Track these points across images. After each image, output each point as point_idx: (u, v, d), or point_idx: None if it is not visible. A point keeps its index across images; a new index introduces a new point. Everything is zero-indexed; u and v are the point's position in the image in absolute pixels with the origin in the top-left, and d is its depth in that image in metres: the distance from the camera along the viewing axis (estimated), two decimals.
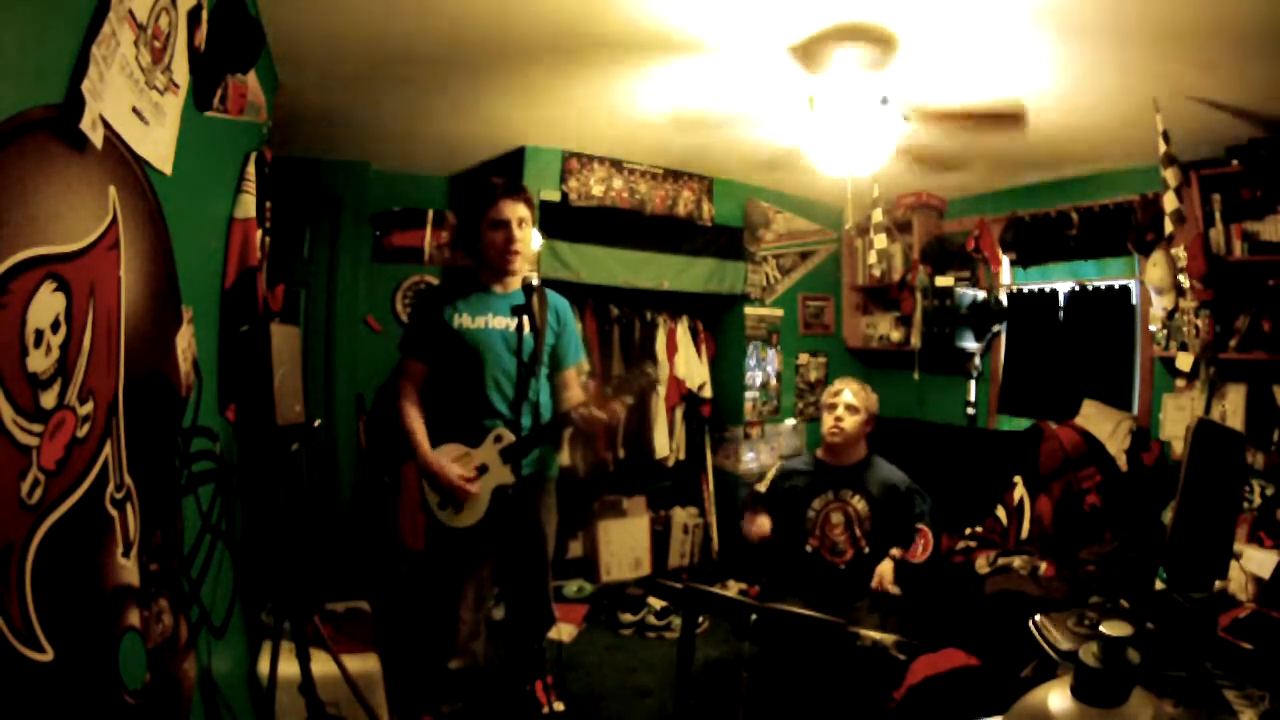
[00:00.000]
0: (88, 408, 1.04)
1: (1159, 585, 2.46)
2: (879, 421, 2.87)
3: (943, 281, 4.13)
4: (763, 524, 2.70)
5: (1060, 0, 2.07)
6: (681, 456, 4.46)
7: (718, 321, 4.55)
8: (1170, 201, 2.70)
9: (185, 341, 1.55)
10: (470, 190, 2.72)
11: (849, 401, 2.75)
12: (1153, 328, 3.36)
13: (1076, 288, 3.95)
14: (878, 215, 3.73)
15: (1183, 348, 3.16)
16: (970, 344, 4.17)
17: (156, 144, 1.32)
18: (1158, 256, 3.21)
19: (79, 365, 1.01)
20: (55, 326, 0.94)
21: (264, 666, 2.02)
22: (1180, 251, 3.12)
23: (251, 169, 2.08)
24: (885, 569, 2.58)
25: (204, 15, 1.53)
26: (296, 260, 3.71)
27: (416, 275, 4.00)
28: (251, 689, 2.16)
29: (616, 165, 3.84)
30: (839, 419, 2.74)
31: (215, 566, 1.78)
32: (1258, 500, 2.91)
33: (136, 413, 1.23)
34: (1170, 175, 2.68)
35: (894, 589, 2.52)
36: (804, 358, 4.67)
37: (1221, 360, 3.10)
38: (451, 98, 2.97)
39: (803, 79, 2.62)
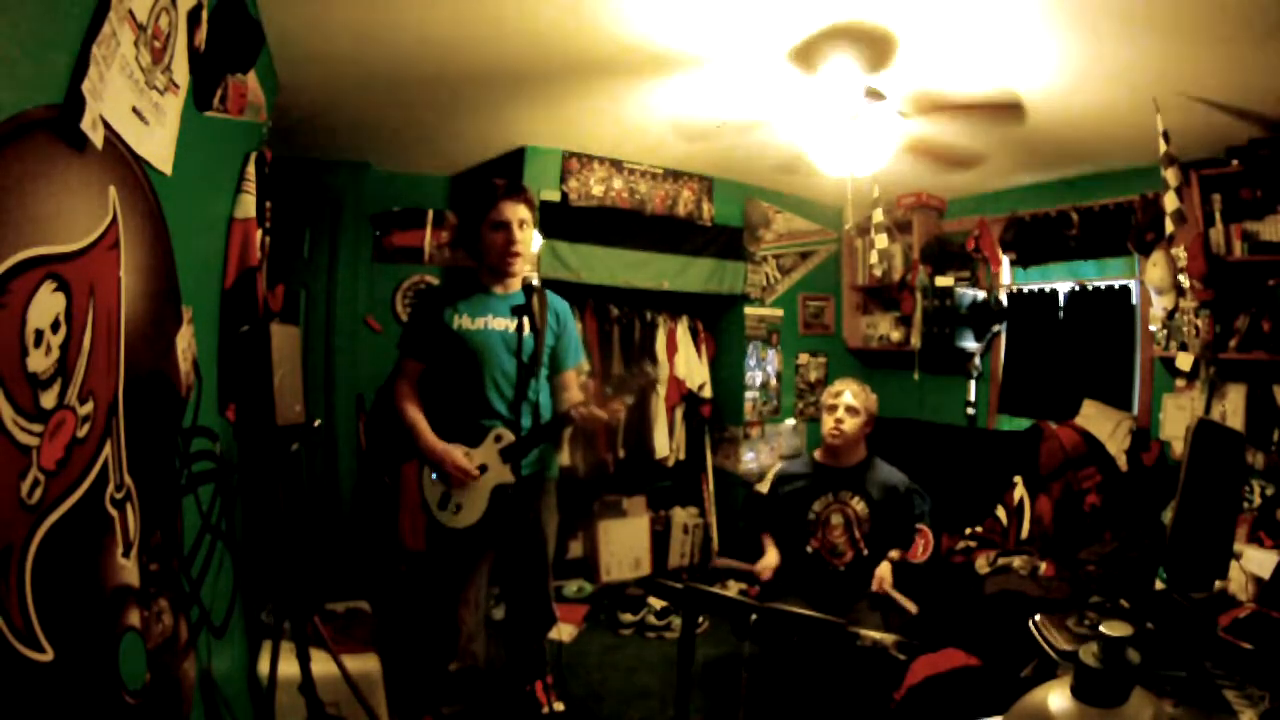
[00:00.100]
0: (88, 408, 1.04)
1: (1159, 585, 2.45)
2: (879, 422, 2.87)
3: (943, 281, 4.13)
4: (770, 560, 2.72)
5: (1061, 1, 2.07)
6: (681, 456, 4.46)
7: (718, 321, 4.55)
8: (1170, 201, 2.70)
9: (185, 341, 1.55)
10: (471, 191, 2.73)
11: (849, 403, 2.75)
12: (1153, 328, 3.36)
13: (1076, 288, 3.95)
14: (878, 215, 3.73)
15: (1183, 348, 3.16)
16: (970, 344, 4.17)
17: (156, 144, 1.32)
18: (1158, 256, 3.21)
19: (79, 365, 1.01)
20: (55, 326, 0.94)
21: (264, 666, 2.02)
22: (1180, 251, 3.12)
23: (251, 169, 2.08)
24: (884, 571, 2.58)
25: (204, 15, 1.53)
26: (296, 260, 3.71)
27: (416, 275, 4.00)
28: (251, 689, 2.16)
29: (616, 165, 3.84)
30: (839, 421, 2.74)
31: (215, 566, 1.78)
32: (1258, 500, 2.91)
33: (136, 413, 1.23)
34: (1170, 175, 2.67)
35: (895, 594, 2.52)
36: (804, 358, 4.67)
37: (1221, 360, 3.10)
38: (452, 98, 2.98)
39: (801, 81, 2.62)
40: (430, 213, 4.00)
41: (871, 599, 2.55)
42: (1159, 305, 3.28)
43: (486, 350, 2.20)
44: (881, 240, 3.78)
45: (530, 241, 2.30)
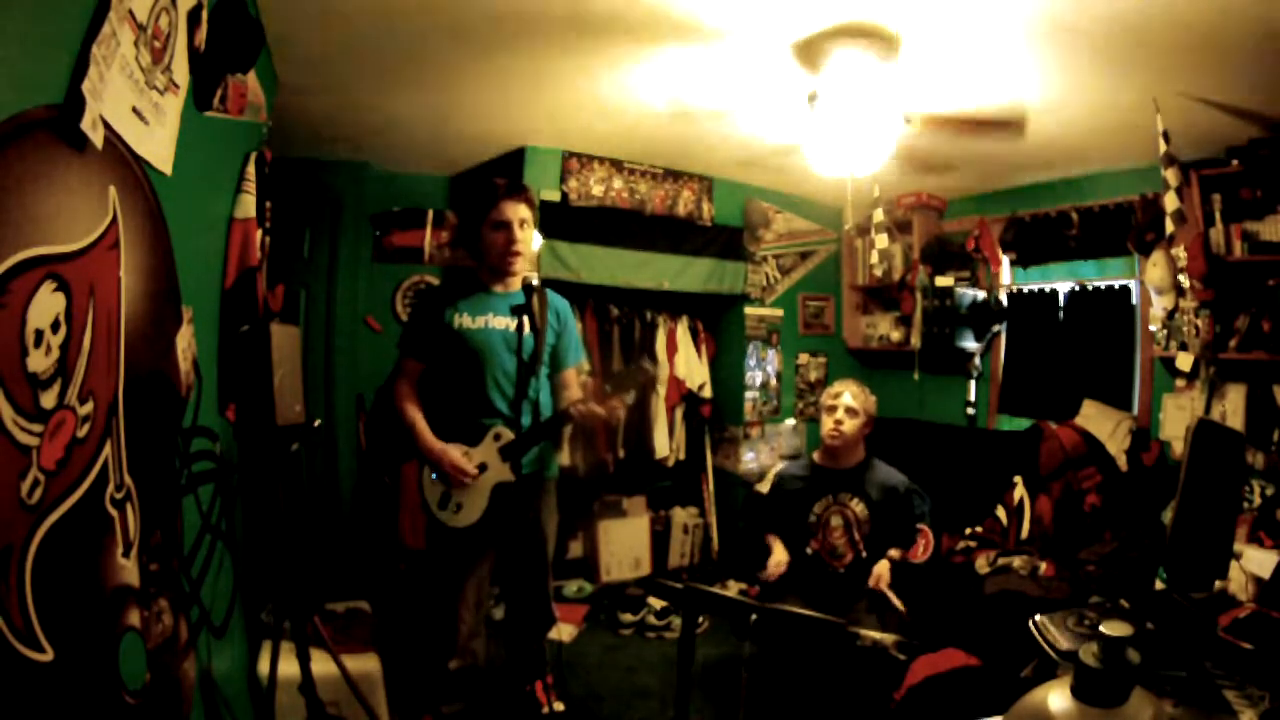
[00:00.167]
0: (88, 408, 1.04)
1: (1159, 585, 2.45)
2: (879, 422, 2.87)
3: (943, 281, 4.13)
4: (780, 557, 2.70)
5: (1062, 2, 2.07)
6: (681, 456, 4.46)
7: (718, 321, 4.55)
8: (1170, 201, 2.70)
9: (185, 341, 1.55)
10: (472, 190, 2.72)
11: (849, 404, 2.75)
12: (1153, 328, 3.36)
13: (1076, 288, 3.95)
14: (879, 215, 3.74)
15: (1183, 348, 3.16)
16: (970, 344, 4.17)
17: (156, 144, 1.32)
18: (1158, 256, 3.21)
19: (79, 365, 1.01)
20: (55, 326, 0.94)
21: (264, 666, 2.02)
22: (1180, 251, 3.12)
23: (251, 169, 2.08)
24: (882, 568, 2.58)
25: (204, 15, 1.53)
26: (296, 260, 3.71)
27: (416, 275, 4.00)
28: (251, 689, 2.16)
29: (616, 165, 3.84)
30: (839, 422, 2.74)
31: (215, 566, 1.78)
32: (1258, 500, 2.91)
33: (136, 413, 1.23)
34: (1170, 175, 2.68)
35: (890, 592, 2.52)
36: (804, 358, 4.67)
37: (1221, 360, 3.10)
38: (452, 97, 2.97)
39: (803, 77, 2.62)
40: (430, 213, 4.00)
41: (871, 599, 2.55)
42: (1159, 305, 3.28)
43: (487, 349, 2.20)
44: (882, 240, 3.79)
45: (531, 241, 2.30)
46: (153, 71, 1.27)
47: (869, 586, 2.56)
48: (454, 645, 2.25)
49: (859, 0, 2.16)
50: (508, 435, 2.17)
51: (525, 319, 2.03)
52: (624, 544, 4.25)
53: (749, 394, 4.39)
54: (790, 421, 4.59)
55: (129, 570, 1.21)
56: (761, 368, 4.44)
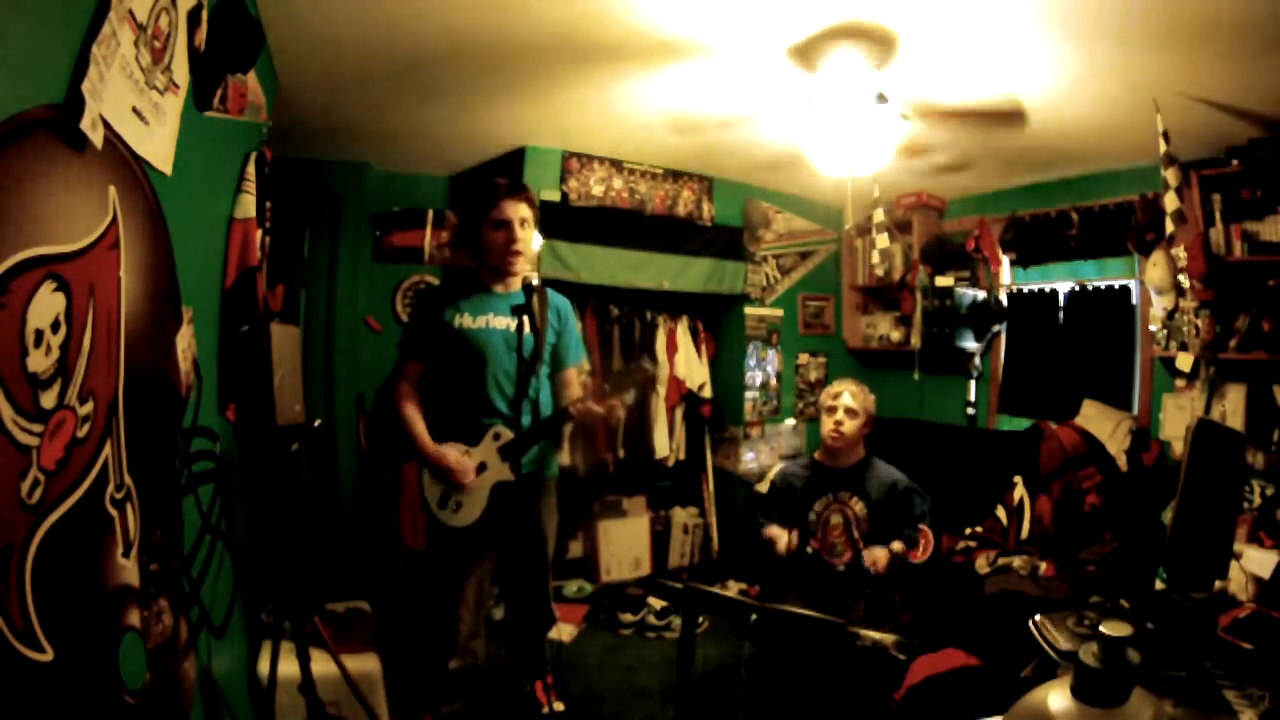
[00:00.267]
0: (88, 408, 1.04)
1: (1159, 585, 2.45)
2: (878, 422, 2.87)
3: (943, 281, 4.13)
4: (790, 539, 2.70)
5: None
6: (681, 456, 4.46)
7: (718, 321, 4.55)
8: (1170, 201, 2.70)
9: (185, 341, 1.55)
10: (472, 190, 2.72)
11: (848, 405, 2.75)
12: (1153, 328, 3.36)
13: (1076, 288, 3.95)
14: (879, 215, 3.74)
15: (1183, 348, 3.16)
16: (970, 344, 4.17)
17: (156, 144, 1.32)
18: (1158, 256, 3.21)
19: (79, 365, 1.01)
20: (55, 326, 0.94)
21: (264, 666, 2.02)
22: (1180, 251, 3.12)
23: (251, 169, 2.08)
24: (880, 554, 2.58)
25: (204, 15, 1.53)
26: (296, 260, 3.71)
27: (416, 275, 4.00)
28: (251, 689, 2.16)
29: (616, 165, 3.84)
30: (839, 423, 2.74)
31: (215, 566, 1.78)
32: (1258, 500, 2.91)
33: (136, 413, 1.23)
34: (1170, 175, 2.68)
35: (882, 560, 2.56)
36: (804, 358, 4.67)
37: (1221, 360, 3.10)
38: (452, 98, 2.97)
39: (802, 79, 2.62)
40: (430, 213, 4.00)
41: (871, 599, 2.55)
42: (1159, 305, 3.28)
43: (488, 349, 2.21)
44: (883, 240, 3.79)
45: (531, 241, 2.30)
46: (153, 71, 1.27)
47: (866, 567, 2.58)
48: (454, 645, 2.25)
49: (854, 1, 2.16)
50: (507, 435, 2.17)
51: (525, 319, 2.03)
52: (624, 544, 4.25)
53: (749, 394, 4.39)
54: (790, 421, 4.59)
55: (129, 570, 1.21)
56: (761, 368, 4.44)
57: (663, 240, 3.99)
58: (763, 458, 4.40)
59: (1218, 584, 2.10)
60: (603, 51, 2.53)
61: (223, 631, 1.86)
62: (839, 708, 2.33)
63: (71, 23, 0.99)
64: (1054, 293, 4.07)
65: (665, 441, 4.26)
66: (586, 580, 4.02)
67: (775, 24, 2.31)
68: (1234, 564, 1.98)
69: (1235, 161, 3.00)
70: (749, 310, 4.38)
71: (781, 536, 2.73)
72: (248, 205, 2.04)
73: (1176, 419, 3.30)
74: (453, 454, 2.16)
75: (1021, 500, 3.34)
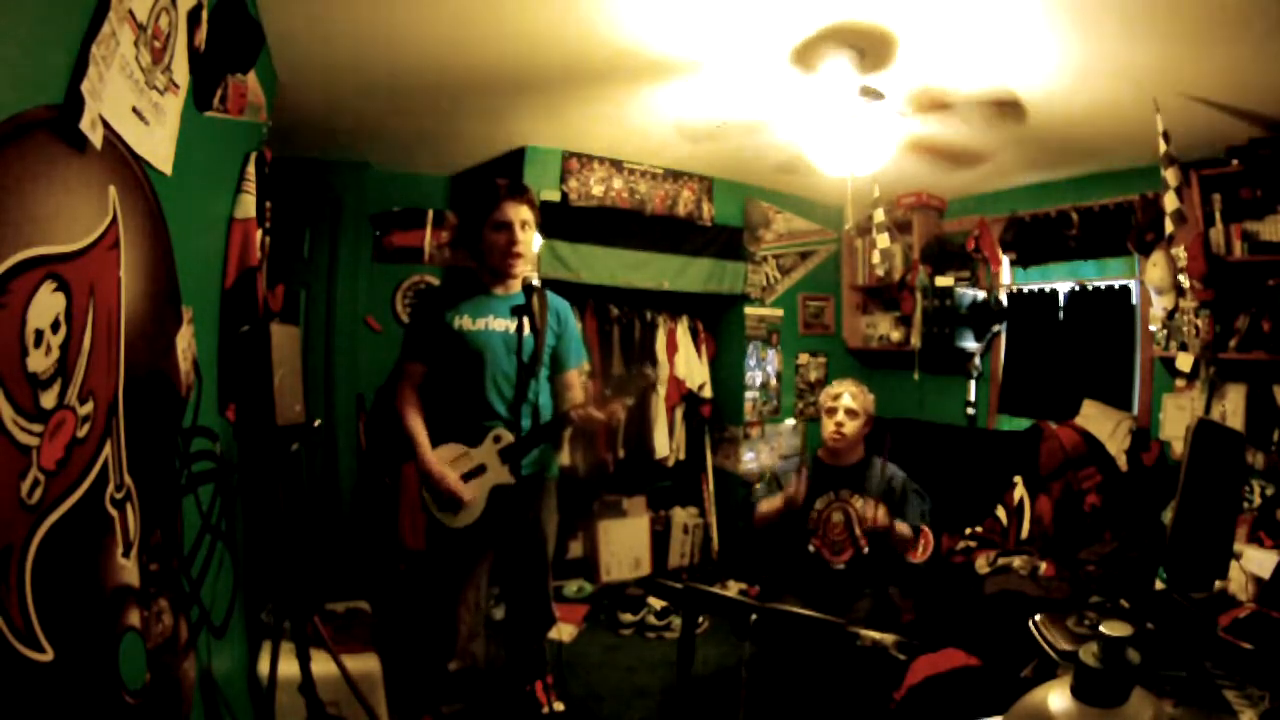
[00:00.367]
0: (88, 408, 1.04)
1: (1159, 585, 2.45)
2: (878, 421, 2.87)
3: (943, 281, 4.13)
4: (798, 487, 2.66)
5: None
6: (681, 456, 4.46)
7: (718, 321, 4.55)
8: (1170, 201, 2.70)
9: (185, 341, 1.55)
10: (473, 191, 2.73)
11: (849, 405, 2.75)
12: (1153, 328, 3.36)
13: (1076, 288, 3.95)
14: (879, 215, 3.73)
15: (1183, 348, 3.16)
16: (970, 344, 4.17)
17: (156, 144, 1.32)
18: (1158, 256, 3.21)
19: (79, 365, 1.01)
20: (55, 326, 0.94)
21: (264, 666, 2.02)
22: (1180, 251, 3.12)
23: (251, 169, 2.08)
24: (881, 511, 2.57)
25: (204, 15, 1.53)
26: (296, 260, 3.71)
27: (416, 275, 4.00)
28: (251, 689, 2.16)
29: (616, 165, 3.84)
30: (840, 424, 2.75)
31: (215, 566, 1.78)
32: (1258, 500, 2.91)
33: (136, 413, 1.23)
34: (1170, 175, 2.67)
35: (896, 525, 2.57)
36: (804, 358, 4.67)
37: (1221, 360, 3.10)
38: (452, 102, 2.98)
39: (802, 81, 2.62)
40: (430, 213, 3.99)
41: (871, 600, 2.55)
42: (1159, 305, 3.28)
43: (487, 351, 2.20)
44: (884, 240, 3.78)
45: (532, 242, 2.30)
46: (153, 71, 1.27)
47: (869, 525, 2.57)
48: (454, 646, 2.25)
49: (851, 2, 2.16)
50: (507, 437, 2.17)
51: (525, 320, 2.03)
52: (624, 544, 4.25)
53: (749, 394, 4.39)
54: (790, 421, 4.59)
55: (129, 570, 1.21)
56: (761, 368, 4.44)
57: (663, 240, 3.99)
58: (763, 458, 4.39)
59: (1218, 584, 2.10)
60: (598, 71, 2.58)
61: (223, 631, 1.86)
62: (839, 708, 2.33)
63: (71, 23, 0.99)
64: (1054, 293, 4.06)
65: (665, 441, 4.26)
66: (586, 580, 4.02)
67: (775, 31, 2.32)
68: (1234, 564, 1.98)
69: (1235, 161, 3.00)
70: (749, 310, 4.38)
71: (779, 497, 2.70)
72: (248, 205, 2.04)
73: (1176, 419, 3.30)
74: (450, 476, 2.16)
75: (1021, 500, 3.34)
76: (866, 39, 2.35)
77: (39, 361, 0.91)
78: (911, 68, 2.52)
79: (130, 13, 1.13)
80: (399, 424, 2.24)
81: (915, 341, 4.24)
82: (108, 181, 1.11)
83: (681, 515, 4.45)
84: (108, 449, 1.12)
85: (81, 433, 1.02)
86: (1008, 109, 2.80)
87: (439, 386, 2.26)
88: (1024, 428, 3.70)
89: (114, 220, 1.12)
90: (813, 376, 4.69)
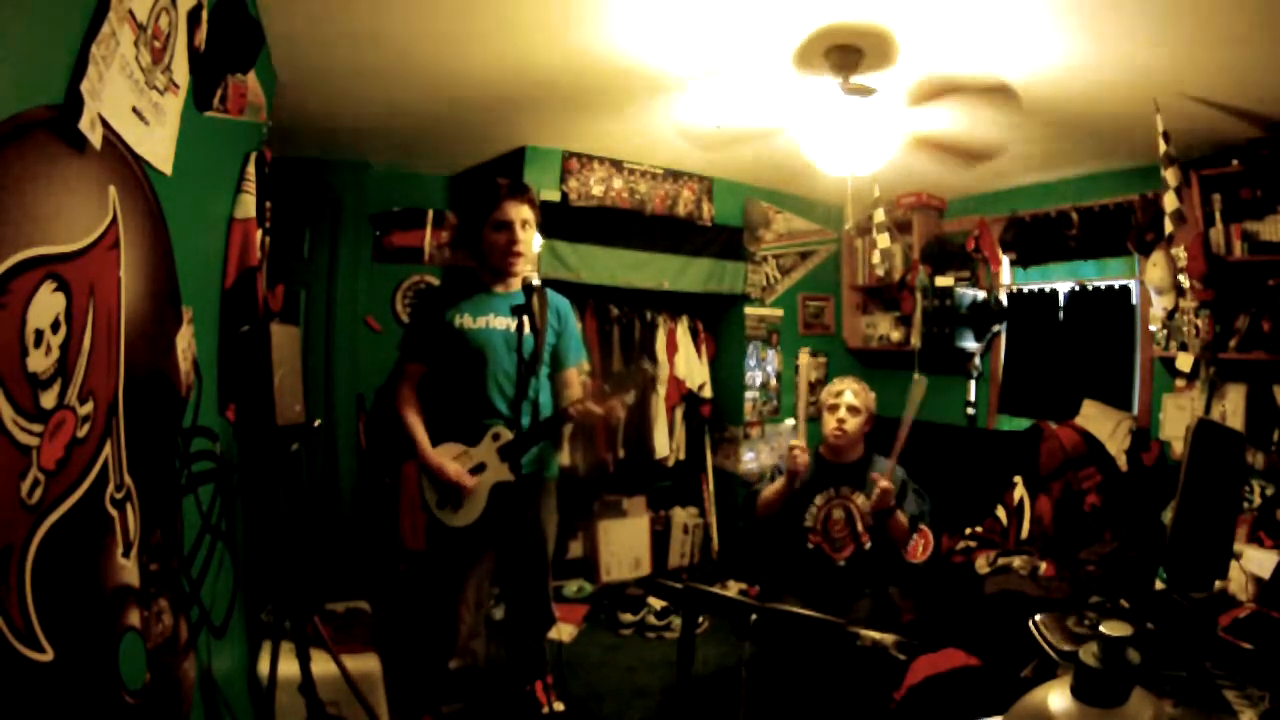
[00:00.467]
0: (88, 408, 1.04)
1: (1159, 585, 2.45)
2: (879, 421, 2.87)
3: (943, 281, 4.13)
4: (801, 453, 2.64)
5: None
6: (681, 456, 4.46)
7: (718, 321, 4.55)
8: (1170, 201, 2.70)
9: (185, 341, 1.55)
10: (473, 190, 2.73)
11: (851, 403, 2.75)
12: (1153, 328, 3.36)
13: (1076, 288, 3.95)
14: (879, 215, 3.74)
15: (1183, 348, 3.16)
16: (970, 344, 4.17)
17: (156, 144, 1.32)
18: (1158, 256, 3.21)
19: (79, 365, 1.01)
20: (55, 326, 0.94)
21: (264, 666, 2.02)
22: (1180, 251, 3.12)
23: (251, 169, 2.08)
24: (881, 482, 2.56)
25: (204, 15, 1.53)
26: (296, 260, 3.71)
27: (416, 275, 4.00)
28: (251, 689, 2.16)
29: (616, 165, 3.84)
30: (842, 421, 2.74)
31: (215, 566, 1.78)
32: (1258, 500, 2.91)
33: (136, 413, 1.23)
34: (1170, 175, 2.67)
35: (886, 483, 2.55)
36: (804, 357, 4.66)
37: (1221, 360, 3.09)
38: (452, 100, 2.98)
39: (802, 81, 2.62)
40: (430, 213, 4.00)
41: (871, 600, 2.55)
42: (1159, 305, 3.28)
43: (488, 349, 2.21)
44: (884, 239, 3.79)
45: (532, 242, 2.30)
46: (153, 71, 1.27)
47: (874, 505, 2.55)
48: (454, 645, 2.25)
49: (850, 4, 2.16)
50: (507, 435, 2.17)
51: (525, 319, 2.03)
52: (624, 544, 4.25)
53: (749, 394, 4.39)
54: (790, 421, 4.57)
55: (129, 570, 1.21)
56: (761, 368, 4.44)
57: (663, 240, 3.99)
58: (763, 458, 4.39)
59: (1218, 584, 2.10)
60: (597, 89, 2.58)
61: (223, 631, 1.86)
62: (839, 708, 2.33)
63: (71, 23, 0.99)
64: (1054, 293, 4.06)
65: (665, 441, 4.26)
66: (586, 580, 4.02)
67: (774, 38, 2.33)
68: (1234, 564, 1.98)
69: (1235, 161, 2.99)
70: (749, 310, 4.38)
71: (780, 480, 2.68)
72: (248, 205, 2.04)
73: (1176, 419, 3.30)
74: (451, 465, 2.16)
75: (1021, 500, 3.34)
76: (867, 39, 2.35)
77: (39, 361, 0.91)
78: (912, 68, 2.52)
79: (130, 13, 1.13)
80: (398, 423, 2.24)
81: (915, 341, 4.24)
82: (108, 181, 1.11)
83: (681, 515, 4.45)
84: (108, 449, 1.12)
85: (81, 433, 1.02)
86: (1008, 94, 2.79)
87: (439, 385, 2.27)
88: (1024, 428, 3.70)
89: (114, 220, 1.12)
90: (813, 376, 4.69)
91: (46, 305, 0.92)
